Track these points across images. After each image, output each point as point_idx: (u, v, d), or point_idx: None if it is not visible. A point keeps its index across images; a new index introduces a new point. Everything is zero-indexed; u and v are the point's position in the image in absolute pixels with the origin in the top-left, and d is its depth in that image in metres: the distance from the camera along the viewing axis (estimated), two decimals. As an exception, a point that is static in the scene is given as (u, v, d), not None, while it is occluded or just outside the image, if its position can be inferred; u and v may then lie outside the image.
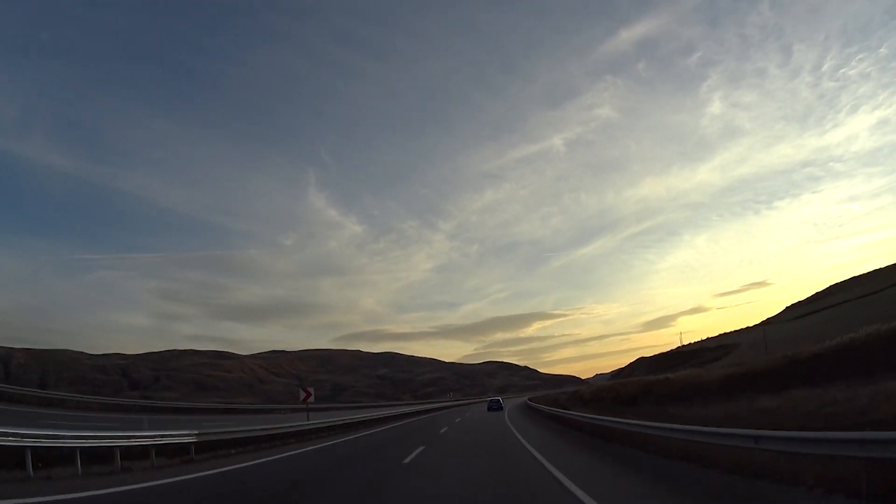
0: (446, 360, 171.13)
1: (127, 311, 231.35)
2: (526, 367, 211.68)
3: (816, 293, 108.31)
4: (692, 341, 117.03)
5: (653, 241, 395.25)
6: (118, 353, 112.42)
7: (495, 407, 51.65)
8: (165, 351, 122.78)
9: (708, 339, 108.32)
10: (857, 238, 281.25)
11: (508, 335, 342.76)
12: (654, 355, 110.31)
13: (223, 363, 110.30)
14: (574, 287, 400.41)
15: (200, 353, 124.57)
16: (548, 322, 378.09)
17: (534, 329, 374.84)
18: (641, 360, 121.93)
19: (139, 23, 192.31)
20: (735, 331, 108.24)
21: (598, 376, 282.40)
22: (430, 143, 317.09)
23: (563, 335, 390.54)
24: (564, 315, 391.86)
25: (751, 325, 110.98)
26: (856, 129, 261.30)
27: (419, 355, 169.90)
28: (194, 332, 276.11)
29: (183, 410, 38.46)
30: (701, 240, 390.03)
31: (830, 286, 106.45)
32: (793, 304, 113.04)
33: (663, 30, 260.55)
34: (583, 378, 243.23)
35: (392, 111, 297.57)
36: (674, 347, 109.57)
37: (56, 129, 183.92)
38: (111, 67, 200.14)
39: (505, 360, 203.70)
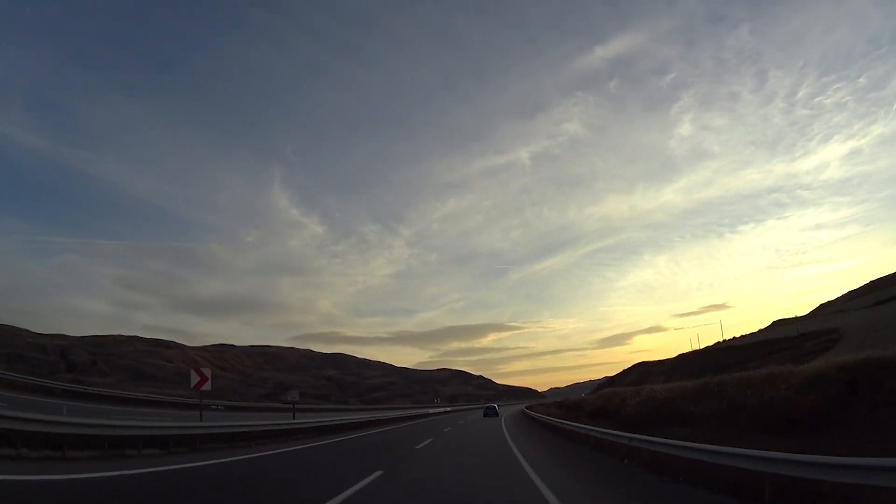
0: (398, 365, 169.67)
1: (86, 296, 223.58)
2: (480, 377, 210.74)
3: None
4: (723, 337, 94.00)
5: (613, 258, 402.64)
6: (61, 335, 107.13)
7: (491, 413, 55.31)
8: (109, 336, 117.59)
9: (759, 331, 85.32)
10: (820, 266, 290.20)
11: (464, 345, 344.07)
12: (692, 351, 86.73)
13: (165, 352, 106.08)
14: (531, 301, 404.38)
15: (144, 341, 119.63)
16: (504, 334, 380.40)
17: (489, 340, 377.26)
18: (642, 364, 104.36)
19: (119, 5, 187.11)
20: (794, 318, 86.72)
21: (553, 390, 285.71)
22: (396, 148, 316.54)
23: (519, 348, 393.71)
24: (520, 328, 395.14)
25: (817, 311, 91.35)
26: (827, 157, 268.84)
27: (371, 359, 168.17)
28: (152, 322, 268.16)
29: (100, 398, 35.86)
30: (661, 260, 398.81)
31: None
32: (852, 290, 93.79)
33: (638, 49, 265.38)
34: (539, 391, 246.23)
35: (361, 113, 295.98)
36: (714, 343, 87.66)
37: (31, 107, 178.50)
38: (89, 49, 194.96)
39: (458, 369, 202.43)
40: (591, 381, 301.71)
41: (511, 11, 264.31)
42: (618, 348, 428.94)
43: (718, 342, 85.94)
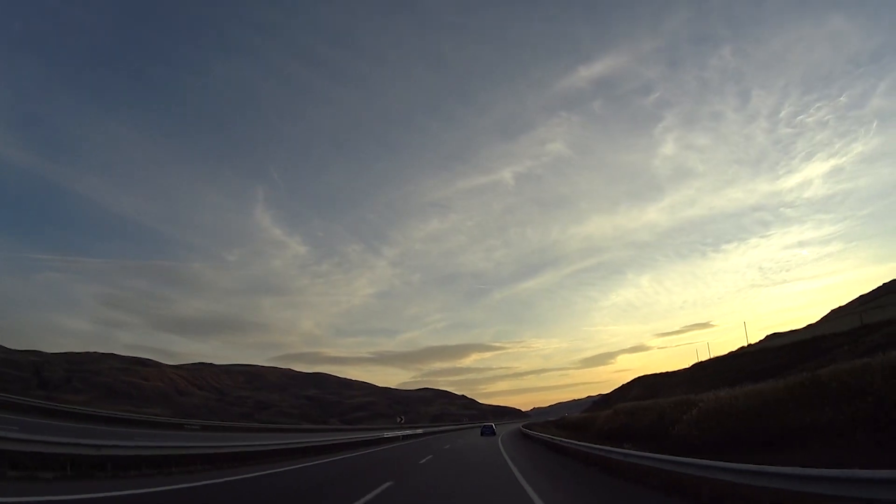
0: (380, 385, 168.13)
1: (68, 314, 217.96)
2: (464, 396, 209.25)
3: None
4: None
5: (596, 278, 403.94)
6: (35, 350, 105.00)
7: (488, 432, 55.73)
8: (85, 352, 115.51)
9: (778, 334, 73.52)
10: (804, 283, 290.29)
11: (446, 365, 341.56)
12: (711, 359, 74.40)
13: (142, 370, 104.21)
14: (514, 321, 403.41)
15: (121, 359, 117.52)
16: (486, 354, 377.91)
17: (472, 360, 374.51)
18: (644, 377, 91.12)
19: (108, 23, 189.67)
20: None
21: (536, 410, 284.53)
22: (380, 168, 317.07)
23: (502, 367, 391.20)
24: (503, 348, 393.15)
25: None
26: (809, 175, 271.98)
27: (352, 378, 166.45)
28: (134, 341, 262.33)
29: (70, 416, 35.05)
30: (645, 279, 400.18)
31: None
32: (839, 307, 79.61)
33: (622, 69, 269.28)
34: (523, 411, 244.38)
35: (345, 134, 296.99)
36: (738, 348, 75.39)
37: (15, 122, 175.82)
38: (75, 65, 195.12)
39: (441, 389, 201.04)
40: (574, 400, 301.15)
41: (495, 32, 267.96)
42: (601, 368, 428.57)
43: (742, 347, 73.97)
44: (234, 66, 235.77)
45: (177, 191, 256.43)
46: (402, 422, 73.46)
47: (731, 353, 70.65)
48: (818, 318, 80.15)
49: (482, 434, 54.08)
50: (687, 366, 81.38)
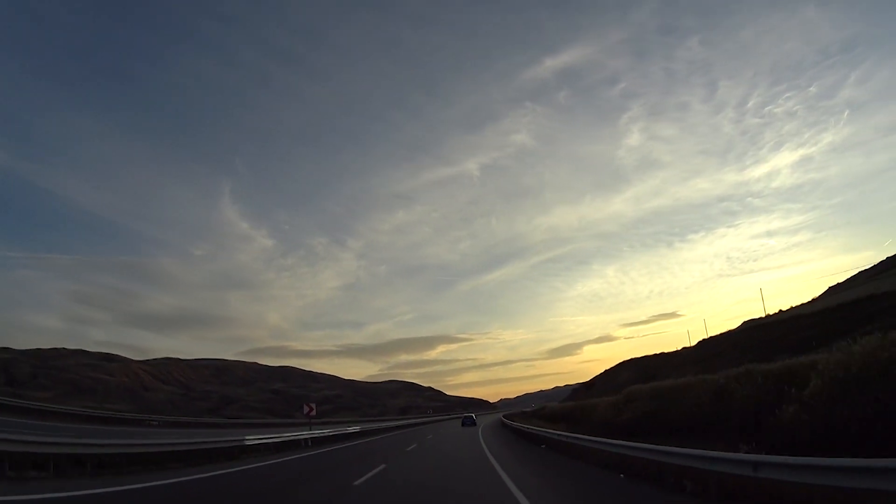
0: (345, 378, 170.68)
1: (38, 311, 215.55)
2: (430, 388, 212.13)
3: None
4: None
5: (562, 269, 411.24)
6: (6, 347, 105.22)
7: (469, 423, 57.34)
8: (53, 349, 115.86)
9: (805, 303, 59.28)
10: (772, 273, 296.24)
11: (413, 357, 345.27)
12: (720, 335, 61.31)
13: (108, 366, 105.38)
14: (480, 312, 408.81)
15: (89, 355, 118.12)
16: (453, 345, 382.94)
17: (438, 352, 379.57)
18: (632, 361, 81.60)
19: (76, 18, 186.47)
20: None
21: (504, 401, 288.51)
22: (344, 160, 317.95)
23: (468, 359, 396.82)
24: (470, 339, 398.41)
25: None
26: (777, 165, 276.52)
27: (318, 371, 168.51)
28: (104, 337, 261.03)
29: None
30: (611, 270, 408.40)
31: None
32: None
33: (588, 60, 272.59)
34: (491, 402, 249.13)
35: (309, 125, 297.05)
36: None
37: None
38: (44, 60, 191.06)
39: (408, 381, 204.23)
40: (542, 391, 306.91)
41: (461, 24, 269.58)
42: (568, 358, 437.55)
43: (753, 320, 63.55)
44: (201, 59, 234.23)
45: (144, 186, 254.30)
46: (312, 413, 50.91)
47: (739, 329, 60.67)
48: (815, 296, 66.41)
49: (463, 425, 56.65)
50: (678, 347, 74.57)
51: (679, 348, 73.34)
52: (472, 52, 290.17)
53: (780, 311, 62.02)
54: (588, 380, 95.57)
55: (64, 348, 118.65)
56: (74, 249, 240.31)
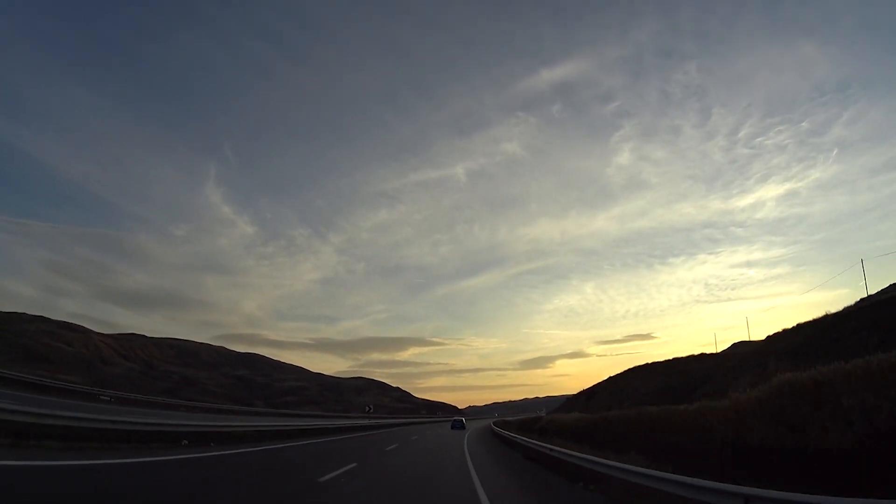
0: (313, 371, 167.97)
1: (14, 277, 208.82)
2: (398, 389, 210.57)
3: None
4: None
5: (540, 281, 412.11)
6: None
7: (458, 426, 57.08)
8: (13, 312, 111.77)
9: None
10: (749, 303, 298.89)
11: (384, 356, 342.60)
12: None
13: (68, 335, 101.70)
14: (455, 317, 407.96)
15: (49, 322, 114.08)
16: (425, 349, 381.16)
17: (410, 353, 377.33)
18: (647, 366, 66.81)
19: None
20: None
21: (472, 408, 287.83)
22: (332, 153, 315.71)
23: (439, 363, 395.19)
24: (442, 344, 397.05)
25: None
26: (763, 197, 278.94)
27: (287, 362, 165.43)
28: (76, 310, 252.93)
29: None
30: (589, 286, 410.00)
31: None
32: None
33: (584, 75, 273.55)
34: (459, 408, 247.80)
35: (301, 116, 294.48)
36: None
37: None
38: (36, 23, 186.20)
39: (376, 379, 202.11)
40: (510, 401, 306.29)
41: (461, 27, 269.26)
42: (539, 371, 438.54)
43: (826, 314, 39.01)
44: (195, 37, 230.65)
45: (129, 160, 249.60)
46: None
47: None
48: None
49: (452, 428, 56.44)
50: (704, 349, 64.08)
51: (706, 352, 63.26)
52: (469, 56, 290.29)
53: (730, 346, 64.79)
54: (588, 387, 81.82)
55: (25, 313, 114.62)
56: (54, 218, 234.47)
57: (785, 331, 37.59)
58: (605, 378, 77.94)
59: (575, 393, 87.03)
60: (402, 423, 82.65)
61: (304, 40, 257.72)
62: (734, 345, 64.22)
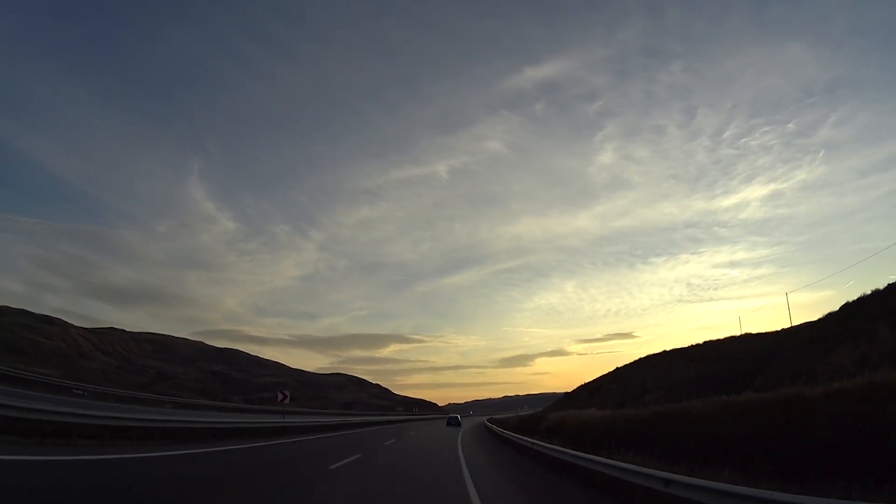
0: (292, 366, 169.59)
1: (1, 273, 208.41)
2: (378, 385, 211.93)
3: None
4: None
5: (521, 279, 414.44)
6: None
7: (453, 423, 57.68)
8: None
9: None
10: (732, 303, 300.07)
11: (365, 353, 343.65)
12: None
13: (47, 329, 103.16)
14: (436, 315, 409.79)
15: (30, 315, 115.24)
16: (405, 346, 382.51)
17: (391, 351, 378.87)
18: (661, 355, 59.37)
19: None
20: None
21: (452, 405, 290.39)
22: (314, 149, 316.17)
23: (420, 361, 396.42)
24: (423, 341, 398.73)
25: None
26: (747, 197, 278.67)
27: (266, 357, 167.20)
28: (61, 306, 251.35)
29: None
30: (570, 285, 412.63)
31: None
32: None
33: (569, 74, 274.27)
34: (439, 405, 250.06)
35: (284, 112, 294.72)
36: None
37: None
38: (24, 19, 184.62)
39: (355, 376, 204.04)
40: (491, 398, 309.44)
41: (446, 24, 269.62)
42: (519, 369, 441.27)
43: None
44: (181, 33, 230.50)
45: (114, 156, 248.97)
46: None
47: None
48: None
49: (448, 425, 57.90)
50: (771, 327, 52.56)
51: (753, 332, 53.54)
52: (454, 53, 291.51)
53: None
54: (591, 381, 73.87)
55: (7, 307, 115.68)
56: (40, 213, 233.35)
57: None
58: (612, 370, 69.54)
59: (573, 389, 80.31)
60: (373, 422, 68.35)
61: (289, 37, 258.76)
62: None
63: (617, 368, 68.60)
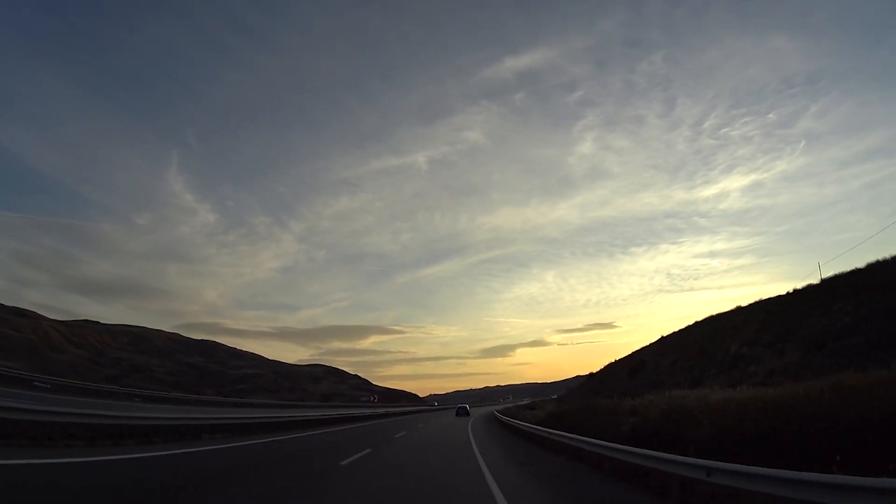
0: (270, 358, 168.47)
1: None
2: (357, 376, 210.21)
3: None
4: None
5: (501, 270, 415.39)
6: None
7: (462, 413, 57.60)
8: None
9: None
10: (712, 293, 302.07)
11: (345, 345, 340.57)
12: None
13: (16, 321, 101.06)
14: (416, 306, 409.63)
15: (3, 308, 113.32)
16: (386, 337, 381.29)
17: (371, 342, 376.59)
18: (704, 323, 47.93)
19: None
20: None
21: (433, 396, 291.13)
22: (294, 140, 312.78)
23: (400, 352, 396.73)
24: (403, 332, 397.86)
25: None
26: (728, 188, 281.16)
27: (245, 350, 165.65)
28: (42, 300, 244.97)
29: None
30: (550, 275, 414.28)
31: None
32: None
33: (549, 64, 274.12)
34: (420, 396, 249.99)
35: (263, 102, 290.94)
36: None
37: None
38: (7, 10, 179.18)
39: (333, 366, 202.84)
40: (472, 389, 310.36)
41: (426, 13, 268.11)
42: (499, 359, 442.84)
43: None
44: (160, 23, 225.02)
45: (92, 148, 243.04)
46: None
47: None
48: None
49: (457, 415, 57.80)
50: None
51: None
52: (433, 44, 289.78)
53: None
54: (630, 354, 61.74)
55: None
56: (19, 207, 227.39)
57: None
58: (657, 339, 56.64)
59: (598, 370, 67.68)
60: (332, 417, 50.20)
61: (269, 27, 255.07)
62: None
63: (661, 338, 55.87)
